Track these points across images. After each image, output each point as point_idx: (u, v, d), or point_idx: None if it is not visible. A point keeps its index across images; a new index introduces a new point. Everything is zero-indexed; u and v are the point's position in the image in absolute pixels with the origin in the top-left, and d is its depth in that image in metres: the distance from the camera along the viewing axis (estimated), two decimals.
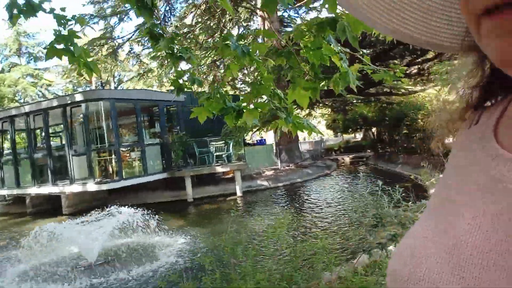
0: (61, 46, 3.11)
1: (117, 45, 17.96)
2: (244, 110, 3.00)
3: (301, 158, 18.68)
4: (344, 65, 2.41)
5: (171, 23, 20.16)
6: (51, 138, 13.65)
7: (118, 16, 17.69)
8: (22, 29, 29.47)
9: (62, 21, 3.13)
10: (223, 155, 13.59)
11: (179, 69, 3.25)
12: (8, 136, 13.87)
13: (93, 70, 3.33)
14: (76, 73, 20.94)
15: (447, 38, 0.37)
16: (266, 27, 19.22)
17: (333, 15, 2.12)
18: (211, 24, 20.03)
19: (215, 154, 13.40)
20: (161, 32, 2.94)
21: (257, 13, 19.00)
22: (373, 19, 0.37)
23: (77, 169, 11.74)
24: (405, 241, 0.37)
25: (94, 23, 16.69)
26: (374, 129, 25.25)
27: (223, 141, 13.28)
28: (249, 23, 21.80)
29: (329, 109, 26.92)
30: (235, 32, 25.73)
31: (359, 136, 29.95)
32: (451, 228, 0.32)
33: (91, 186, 11.27)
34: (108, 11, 18.11)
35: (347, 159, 24.25)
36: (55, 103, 11.90)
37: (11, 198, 15.03)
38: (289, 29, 23.67)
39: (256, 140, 17.32)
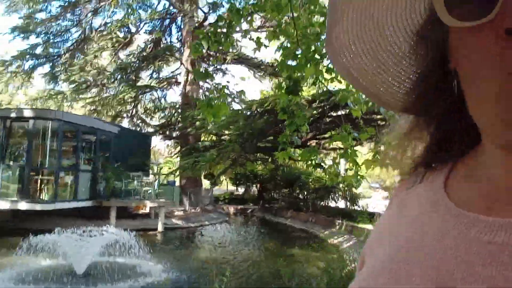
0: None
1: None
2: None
3: (203, 203, 20.20)
4: None
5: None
6: None
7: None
8: None
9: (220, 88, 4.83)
10: (149, 191, 14.45)
11: None
12: None
13: (217, 119, 4.96)
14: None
15: (391, 95, 0.42)
16: (189, 79, 21.17)
17: None
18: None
19: (143, 188, 14.18)
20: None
21: (184, 65, 20.83)
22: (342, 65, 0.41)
23: (6, 185, 11.28)
24: None
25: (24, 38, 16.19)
26: (257, 186, 28.43)
27: (154, 177, 14.23)
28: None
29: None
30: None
31: (240, 190, 32.77)
32: None
33: (22, 205, 10.98)
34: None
35: (232, 209, 26.49)
36: None
37: None
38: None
39: (167, 181, 18.34)
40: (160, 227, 14.05)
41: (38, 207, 11.06)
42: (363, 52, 0.40)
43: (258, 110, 12.09)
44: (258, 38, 4.59)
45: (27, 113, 11.29)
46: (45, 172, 11.59)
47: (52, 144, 11.69)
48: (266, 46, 4.64)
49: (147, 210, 16.17)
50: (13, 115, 11.37)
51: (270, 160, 23.72)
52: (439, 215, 0.35)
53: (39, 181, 11.59)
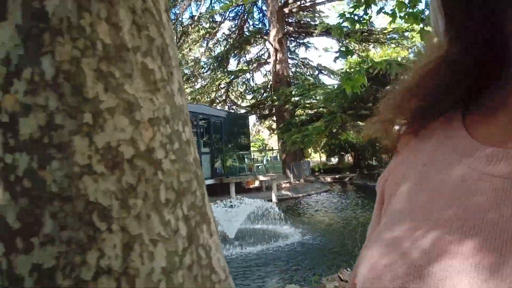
0: None
1: None
2: None
3: (304, 174, 21.16)
4: None
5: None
6: None
7: None
8: None
9: None
10: (259, 166, 15.67)
11: None
12: None
13: (356, 89, 5.51)
14: None
15: None
16: (278, 58, 21.92)
17: None
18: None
19: (255, 164, 15.44)
20: None
21: (272, 44, 21.62)
22: None
23: None
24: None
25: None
26: (351, 154, 28.66)
27: (262, 154, 15.38)
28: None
29: None
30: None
31: (333, 160, 33.23)
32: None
33: None
34: None
35: (329, 178, 27.10)
36: None
37: None
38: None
39: (270, 156, 19.56)
40: (274, 198, 15.25)
41: None
42: None
43: None
44: (393, 11, 5.05)
45: None
46: None
47: None
48: (401, 17, 5.07)
49: (257, 184, 17.54)
50: None
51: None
52: (456, 152, 0.32)
53: None
